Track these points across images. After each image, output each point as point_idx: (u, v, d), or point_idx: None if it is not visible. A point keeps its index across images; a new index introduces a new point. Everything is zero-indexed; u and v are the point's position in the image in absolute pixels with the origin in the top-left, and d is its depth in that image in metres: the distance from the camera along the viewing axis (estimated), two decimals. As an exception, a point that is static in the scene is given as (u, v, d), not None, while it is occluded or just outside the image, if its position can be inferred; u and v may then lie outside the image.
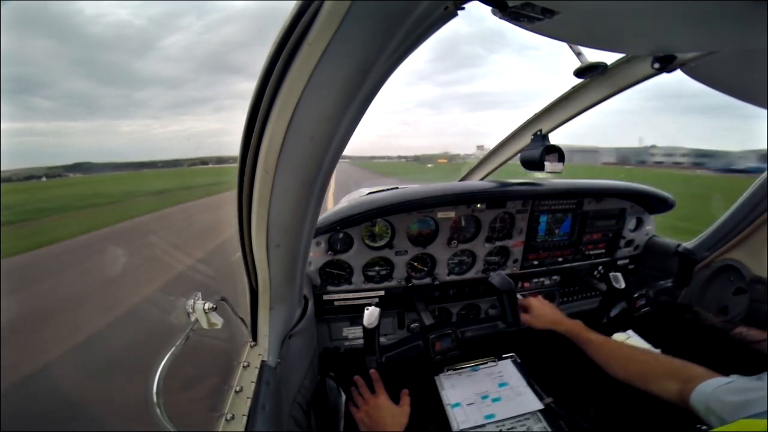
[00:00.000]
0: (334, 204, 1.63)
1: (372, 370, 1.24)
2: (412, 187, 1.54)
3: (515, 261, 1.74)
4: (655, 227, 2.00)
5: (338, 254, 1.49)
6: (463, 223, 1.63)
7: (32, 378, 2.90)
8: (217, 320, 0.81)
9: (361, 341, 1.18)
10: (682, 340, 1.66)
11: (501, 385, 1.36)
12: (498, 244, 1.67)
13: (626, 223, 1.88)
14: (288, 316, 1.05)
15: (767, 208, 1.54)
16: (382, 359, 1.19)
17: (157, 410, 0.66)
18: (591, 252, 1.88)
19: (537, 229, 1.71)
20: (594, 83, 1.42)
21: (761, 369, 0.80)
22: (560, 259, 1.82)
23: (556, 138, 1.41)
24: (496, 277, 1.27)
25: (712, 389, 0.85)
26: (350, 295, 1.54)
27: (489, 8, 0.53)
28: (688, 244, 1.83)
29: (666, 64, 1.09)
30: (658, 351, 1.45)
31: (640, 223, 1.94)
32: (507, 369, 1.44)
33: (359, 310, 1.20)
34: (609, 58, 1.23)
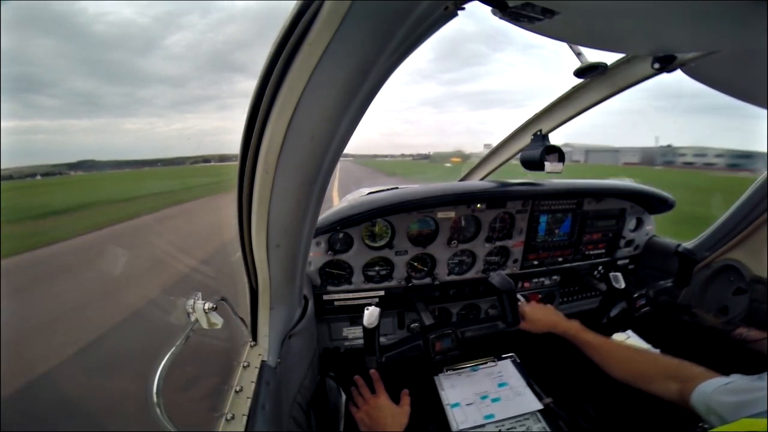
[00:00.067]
0: (339, 201, 1.63)
1: (372, 370, 1.24)
2: (412, 187, 1.54)
3: (515, 261, 1.74)
4: (654, 227, 2.00)
5: (338, 254, 1.49)
6: (463, 223, 1.63)
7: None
8: (217, 320, 0.81)
9: (361, 341, 1.18)
10: (682, 340, 1.66)
11: (500, 385, 1.36)
12: (498, 244, 1.67)
13: (626, 223, 1.88)
14: (288, 316, 1.05)
15: (767, 208, 1.54)
16: (382, 359, 1.19)
17: (157, 410, 0.66)
18: (591, 252, 1.88)
19: (537, 229, 1.71)
20: (594, 83, 1.42)
21: (761, 369, 0.80)
22: (560, 259, 1.82)
23: (556, 138, 1.41)
24: (496, 277, 1.27)
25: (713, 389, 0.85)
26: (350, 295, 1.54)
27: (489, 8, 0.53)
28: (688, 244, 1.83)
29: (666, 64, 1.09)
30: (657, 351, 1.45)
31: (640, 223, 1.94)
32: (506, 369, 1.44)
33: (359, 310, 1.19)
34: (609, 58, 1.22)
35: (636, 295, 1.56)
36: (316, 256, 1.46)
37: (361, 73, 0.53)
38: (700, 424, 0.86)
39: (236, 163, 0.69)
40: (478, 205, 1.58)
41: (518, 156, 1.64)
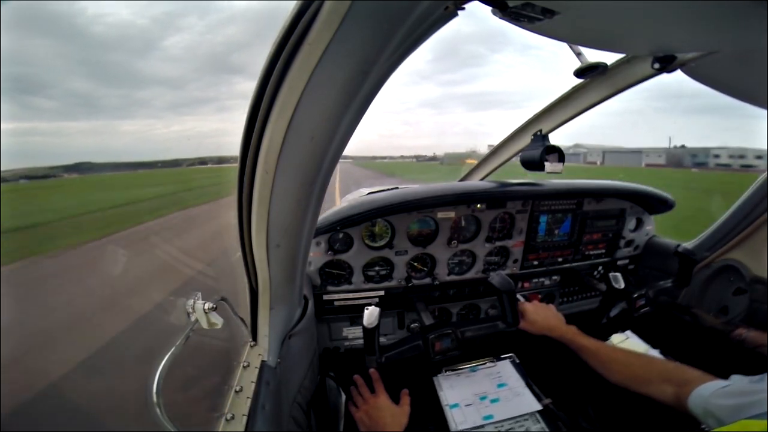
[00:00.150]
0: (340, 201, 1.63)
1: (372, 370, 1.24)
2: (412, 187, 1.54)
3: (515, 261, 1.74)
4: (654, 227, 2.00)
5: (338, 254, 1.49)
6: (463, 223, 1.63)
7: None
8: (217, 320, 0.81)
9: (361, 341, 1.18)
10: (681, 340, 1.66)
11: (499, 385, 1.35)
12: (498, 244, 1.67)
13: (626, 224, 1.88)
14: (288, 316, 1.05)
15: (767, 208, 1.54)
16: (382, 359, 1.19)
17: (157, 410, 0.66)
18: (591, 252, 1.88)
19: (537, 229, 1.71)
20: (594, 83, 1.42)
21: (761, 370, 0.80)
22: (560, 260, 1.82)
23: (563, 139, 1.41)
24: (496, 277, 1.27)
25: (711, 392, 0.85)
26: (350, 295, 1.54)
27: (489, 8, 0.53)
28: (688, 244, 1.83)
29: (666, 64, 1.09)
30: (657, 352, 1.45)
31: (640, 223, 1.94)
32: (506, 369, 1.43)
33: (359, 310, 1.20)
34: (609, 58, 1.22)
35: (636, 296, 1.56)
36: (316, 256, 1.46)
37: (361, 73, 0.53)
38: (702, 426, 0.86)
39: (236, 165, 0.69)
40: (478, 205, 1.58)
41: (518, 156, 1.64)
